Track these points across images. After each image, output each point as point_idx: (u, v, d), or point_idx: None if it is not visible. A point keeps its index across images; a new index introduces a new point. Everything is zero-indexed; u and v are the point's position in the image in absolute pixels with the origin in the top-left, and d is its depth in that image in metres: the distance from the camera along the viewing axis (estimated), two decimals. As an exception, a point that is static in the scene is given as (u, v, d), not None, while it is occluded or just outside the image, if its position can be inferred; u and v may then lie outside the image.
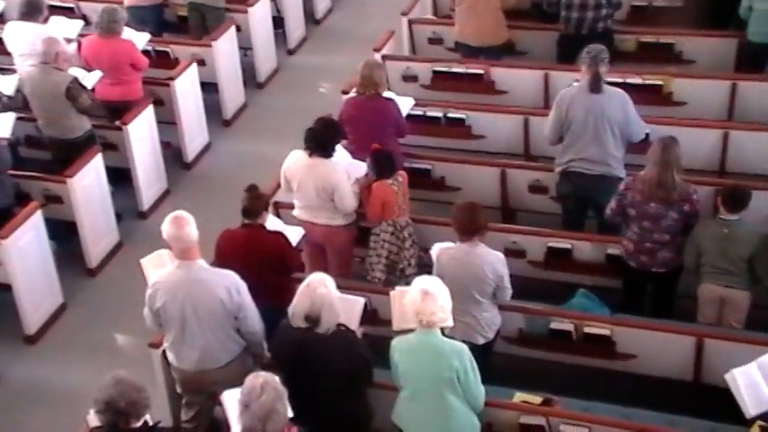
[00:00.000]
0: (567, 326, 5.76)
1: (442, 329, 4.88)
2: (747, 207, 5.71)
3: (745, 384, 4.85)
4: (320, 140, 6.18)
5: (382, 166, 6.31)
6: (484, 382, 4.96)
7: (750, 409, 4.80)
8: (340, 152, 6.45)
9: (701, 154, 6.88)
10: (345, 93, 7.37)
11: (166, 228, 5.15)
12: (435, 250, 5.69)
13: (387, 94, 7.02)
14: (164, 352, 5.49)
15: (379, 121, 6.79)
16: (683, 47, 7.98)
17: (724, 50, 7.92)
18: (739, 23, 7.78)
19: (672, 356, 5.62)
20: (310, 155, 6.21)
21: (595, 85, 6.42)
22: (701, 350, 5.49)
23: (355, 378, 5.11)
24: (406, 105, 7.22)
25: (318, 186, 6.22)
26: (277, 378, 4.35)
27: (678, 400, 5.54)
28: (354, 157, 6.51)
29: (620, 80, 7.07)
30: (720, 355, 5.28)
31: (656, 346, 5.64)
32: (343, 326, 5.10)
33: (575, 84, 6.74)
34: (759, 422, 4.83)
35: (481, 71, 7.94)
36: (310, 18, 10.75)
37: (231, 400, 4.66)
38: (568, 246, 6.34)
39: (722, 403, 4.97)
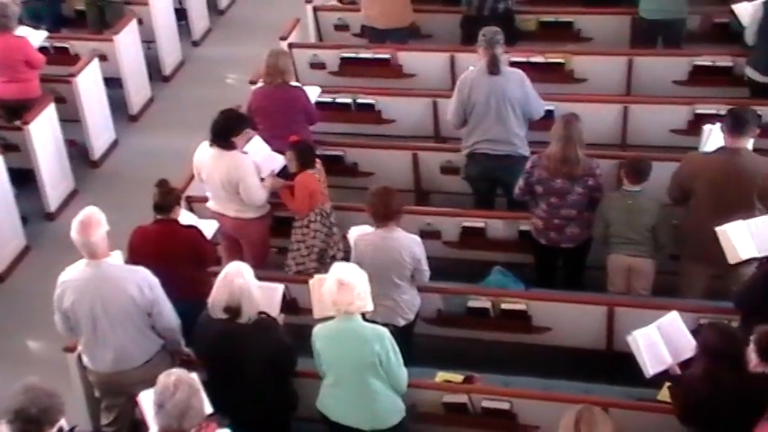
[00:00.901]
0: (484, 303, 5.84)
1: (363, 314, 4.90)
2: (649, 178, 5.86)
3: (645, 345, 4.99)
4: (222, 132, 6.12)
5: (306, 157, 6.29)
6: (406, 363, 5.00)
7: (649, 368, 4.95)
8: (257, 144, 6.42)
9: (602, 129, 7.05)
10: (253, 83, 7.33)
11: (73, 234, 5.01)
12: (353, 235, 5.72)
13: (294, 82, 7.01)
14: (79, 355, 5.39)
15: (289, 109, 6.77)
16: (581, 25, 8.15)
17: (619, 27, 8.11)
18: (631, 0, 7.98)
19: (585, 327, 5.76)
20: (212, 146, 6.17)
21: (493, 67, 6.51)
22: (612, 318, 5.65)
23: (279, 365, 5.10)
24: (312, 94, 7.20)
25: (223, 179, 6.17)
26: (192, 374, 4.30)
27: (593, 368, 5.71)
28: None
29: (524, 59, 7.21)
30: (630, 322, 5.39)
31: (569, 318, 5.78)
32: (264, 313, 5.08)
33: (471, 67, 6.82)
34: (667, 383, 5.00)
35: (388, 55, 7.97)
36: (213, 9, 10.63)
37: (147, 401, 4.55)
38: (482, 224, 6.43)
39: (634, 369, 5.07)
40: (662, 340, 5.00)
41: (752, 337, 4.51)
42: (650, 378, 5.00)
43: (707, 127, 6.30)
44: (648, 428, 4.94)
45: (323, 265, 6.13)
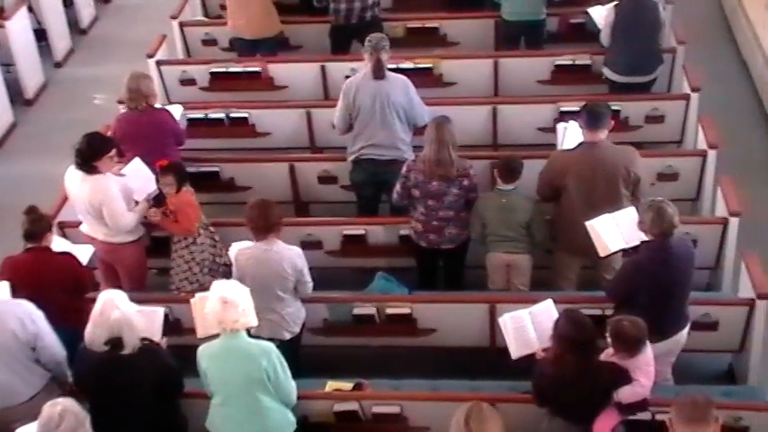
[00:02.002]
0: (369, 309, 5.87)
1: (248, 330, 4.86)
2: (521, 176, 6.01)
3: (514, 328, 5.14)
4: (84, 157, 5.95)
5: (182, 175, 6.23)
6: (295, 375, 4.99)
7: (514, 350, 5.09)
8: (137, 166, 6.27)
9: (473, 130, 7.19)
10: (122, 102, 7.12)
11: None
12: (233, 251, 5.66)
13: (158, 105, 6.85)
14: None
15: (159, 133, 6.63)
16: (447, 30, 8.30)
17: (483, 31, 8.30)
18: (494, 4, 8.17)
19: (469, 325, 5.86)
20: (78, 169, 6.01)
21: (378, 72, 6.56)
22: (494, 315, 5.73)
23: (166, 390, 5.01)
24: (176, 113, 7.04)
25: (87, 203, 6.03)
26: (77, 404, 4.21)
27: (479, 365, 5.81)
28: None
29: (394, 66, 7.25)
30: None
31: (453, 318, 5.87)
32: (147, 339, 4.98)
33: (352, 70, 6.85)
34: None
35: (259, 68, 7.92)
36: (75, 28, 10.37)
37: None
38: (362, 231, 6.47)
39: (518, 362, 5.19)
40: (531, 325, 5.15)
41: (609, 326, 4.70)
42: (528, 367, 5.08)
43: (560, 125, 6.50)
44: (534, 418, 5.00)
45: (215, 276, 6.05)
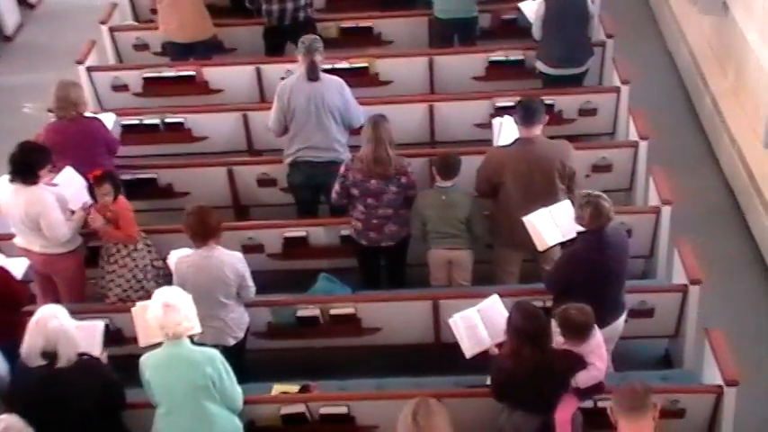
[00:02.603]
0: (313, 311, 5.87)
1: (191, 337, 4.83)
2: (459, 173, 6.04)
3: (465, 327, 5.18)
4: (19, 167, 5.86)
5: (118, 183, 6.18)
6: (240, 381, 4.96)
7: (468, 349, 5.13)
8: (69, 175, 6.17)
9: (411, 128, 7.24)
10: (52, 111, 7.01)
11: None
12: (173, 259, 5.60)
13: (88, 113, 6.75)
14: None
15: (89, 142, 6.53)
16: (380, 29, 8.33)
17: (417, 29, 8.34)
18: (426, 2, 8.22)
19: (413, 322, 5.90)
20: (12, 181, 5.89)
21: (312, 74, 6.55)
22: (438, 311, 5.81)
23: (107, 404, 4.94)
24: (108, 122, 6.94)
25: (23, 214, 5.92)
26: (20, 420, 4.13)
27: (424, 362, 5.86)
28: None
29: (329, 66, 7.26)
30: (454, 313, 5.48)
31: (397, 316, 5.90)
32: (86, 354, 4.91)
33: (287, 72, 6.81)
34: None
35: (193, 72, 7.86)
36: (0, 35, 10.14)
37: None
38: (303, 233, 6.46)
39: (463, 358, 5.23)
40: (481, 322, 5.19)
41: (556, 314, 4.77)
42: (472, 362, 5.17)
43: (496, 121, 6.58)
44: (481, 412, 5.08)
45: (159, 283, 5.96)
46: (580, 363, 4.78)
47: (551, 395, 4.74)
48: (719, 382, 5.06)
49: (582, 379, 4.79)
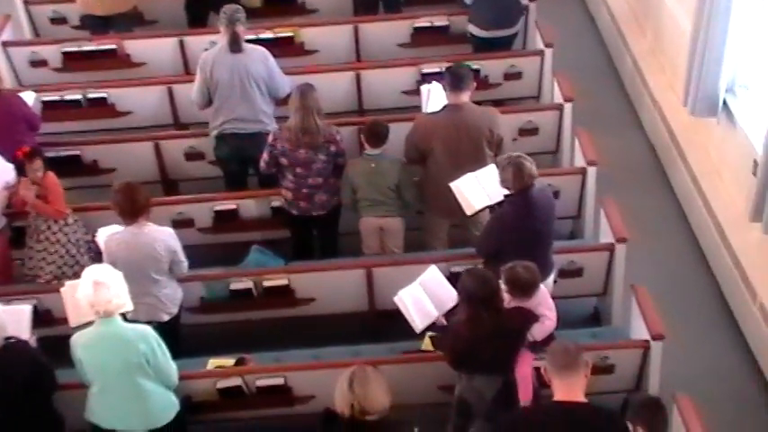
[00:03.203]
0: (246, 284, 5.82)
1: (124, 315, 4.75)
2: (388, 140, 6.03)
3: (412, 302, 5.16)
4: None
5: (43, 159, 6.07)
6: (176, 356, 4.93)
7: (418, 324, 5.13)
8: None
9: (338, 97, 7.19)
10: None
11: None
12: (101, 237, 5.50)
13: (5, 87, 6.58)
14: None
15: (10, 119, 6.38)
16: (303, -3, 8.22)
17: (340, -3, 8.25)
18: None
19: (347, 291, 5.89)
20: None
21: (235, 45, 6.43)
22: (371, 280, 5.81)
23: (37, 388, 4.84)
24: (28, 99, 6.77)
25: None
26: None
27: (359, 330, 5.87)
28: None
29: (254, 36, 7.14)
30: (388, 280, 5.59)
31: (331, 286, 5.88)
32: (13, 338, 4.81)
33: (211, 43, 6.70)
34: (429, 333, 5.22)
35: (114, 46, 7.66)
36: None
37: None
38: (234, 206, 6.38)
39: (397, 325, 5.24)
40: (426, 295, 5.17)
41: (501, 278, 4.79)
42: (406, 328, 5.15)
43: (424, 87, 6.53)
44: (416, 377, 5.14)
45: (93, 258, 5.89)
46: (533, 317, 4.83)
47: (511, 354, 4.77)
48: (646, 337, 5.18)
49: (537, 332, 4.85)
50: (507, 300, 4.81)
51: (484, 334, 4.68)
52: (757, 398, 5.71)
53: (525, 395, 4.74)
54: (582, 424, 3.99)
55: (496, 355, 4.73)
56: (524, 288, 4.79)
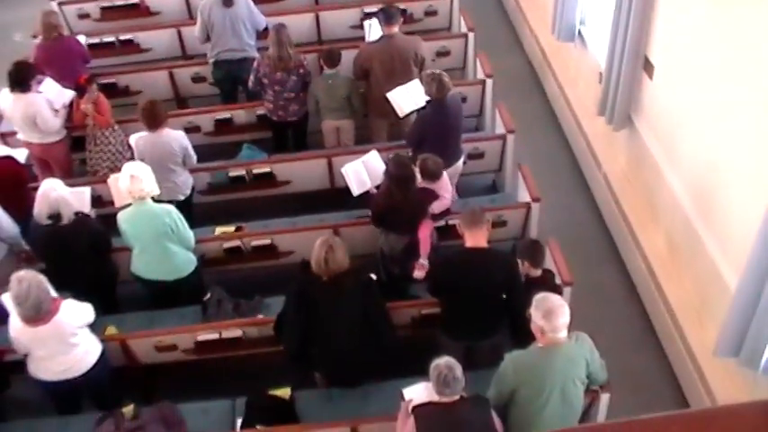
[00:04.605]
0: (240, 172, 5.47)
1: (153, 197, 4.49)
2: (340, 62, 5.62)
3: (353, 173, 4.94)
4: (15, 79, 5.35)
5: (96, 84, 5.74)
6: (192, 226, 4.68)
7: (355, 190, 4.89)
8: (49, 84, 5.59)
9: (303, 32, 6.64)
10: (35, 36, 6.19)
11: None
12: (133, 140, 5.13)
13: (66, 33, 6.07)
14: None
15: (70, 56, 5.96)
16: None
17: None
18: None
19: (314, 175, 5.55)
20: (12, 91, 5.37)
21: (228, 2, 5.95)
22: (331, 165, 5.48)
23: (98, 248, 4.63)
24: (81, 40, 6.32)
25: (23, 115, 5.42)
26: (33, 272, 3.83)
27: (323, 202, 5.52)
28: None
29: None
30: (343, 164, 5.19)
31: (302, 171, 5.53)
32: (80, 212, 4.57)
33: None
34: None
35: (137, 1, 6.99)
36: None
37: (7, 300, 3.99)
38: (229, 115, 5.96)
39: (351, 198, 5.01)
40: (365, 170, 4.95)
41: (417, 164, 4.54)
42: (356, 201, 4.95)
43: (366, 22, 6.08)
44: (365, 236, 4.86)
45: (132, 158, 5.43)
46: (434, 195, 4.60)
47: (414, 220, 4.55)
48: (528, 200, 4.97)
49: (436, 206, 4.62)
50: (420, 182, 4.56)
51: (394, 203, 4.45)
52: (602, 236, 5.58)
53: (424, 250, 4.55)
54: (485, 260, 3.89)
55: (403, 219, 4.51)
56: (431, 175, 4.55)
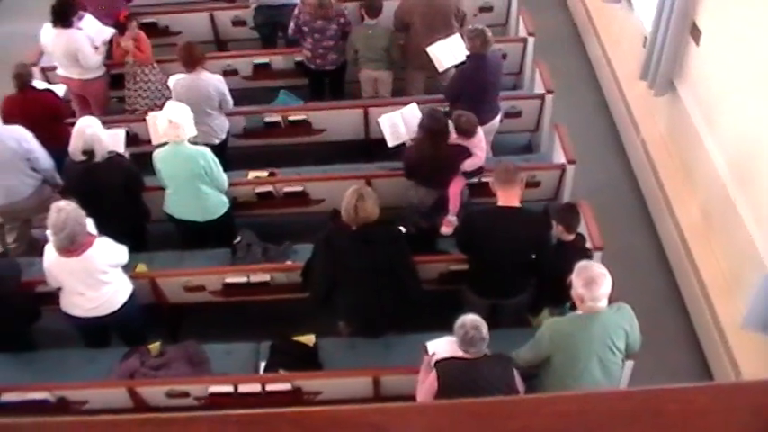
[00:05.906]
0: (276, 118, 5.37)
1: (189, 139, 4.41)
2: (381, 13, 5.44)
3: (389, 125, 4.82)
4: (58, 14, 5.28)
5: (137, 21, 5.69)
6: (225, 169, 4.60)
7: (390, 141, 4.79)
8: (89, 21, 5.53)
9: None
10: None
11: None
12: (171, 81, 5.04)
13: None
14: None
15: None
16: None
17: None
18: None
19: (349, 125, 5.44)
20: (54, 26, 5.30)
21: None
22: (367, 115, 5.35)
23: (131, 188, 4.60)
24: None
25: (64, 51, 5.38)
26: (74, 204, 3.83)
27: (358, 153, 5.44)
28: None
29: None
30: (379, 115, 5.06)
31: (337, 120, 5.42)
32: (114, 152, 4.50)
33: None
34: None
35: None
36: None
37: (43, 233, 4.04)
38: (267, 60, 5.83)
39: (385, 149, 4.89)
40: (401, 122, 4.82)
41: (452, 120, 4.39)
42: (390, 152, 4.83)
43: None
44: (396, 188, 4.73)
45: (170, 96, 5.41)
46: (467, 153, 4.46)
47: (445, 176, 4.43)
48: (563, 161, 4.80)
49: (467, 164, 4.48)
50: (455, 137, 4.42)
51: (425, 156, 4.34)
52: (636, 202, 5.40)
53: (453, 207, 4.45)
54: (516, 219, 3.79)
55: (433, 173, 4.40)
56: (464, 132, 4.40)
